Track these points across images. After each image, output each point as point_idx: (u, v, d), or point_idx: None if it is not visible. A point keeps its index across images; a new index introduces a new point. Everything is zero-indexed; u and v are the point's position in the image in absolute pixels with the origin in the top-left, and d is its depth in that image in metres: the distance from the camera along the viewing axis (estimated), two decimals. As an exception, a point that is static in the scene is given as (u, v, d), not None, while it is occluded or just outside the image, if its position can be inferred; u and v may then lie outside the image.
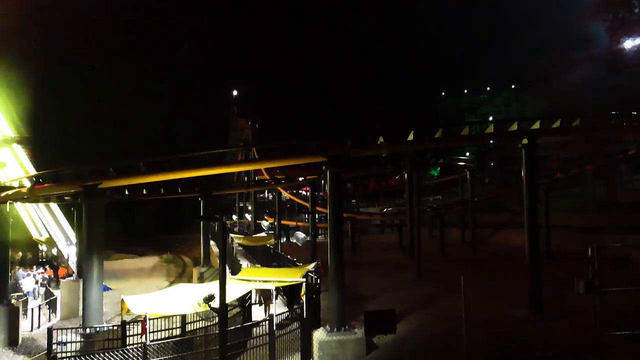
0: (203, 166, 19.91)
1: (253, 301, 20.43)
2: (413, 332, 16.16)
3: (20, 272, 32.92)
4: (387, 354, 14.91)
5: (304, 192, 57.03)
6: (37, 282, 31.64)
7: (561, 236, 31.04)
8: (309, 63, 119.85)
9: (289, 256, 26.72)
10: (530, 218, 17.56)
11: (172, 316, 16.45)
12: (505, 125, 19.40)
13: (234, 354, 13.21)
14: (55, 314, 27.36)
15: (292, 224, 59.76)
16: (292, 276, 18.26)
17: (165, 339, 15.39)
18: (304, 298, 15.38)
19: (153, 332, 15.78)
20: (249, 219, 62.00)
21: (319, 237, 41.09)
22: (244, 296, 17.50)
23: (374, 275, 26.94)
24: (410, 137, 18.19)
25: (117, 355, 11.55)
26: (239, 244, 35.26)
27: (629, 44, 33.90)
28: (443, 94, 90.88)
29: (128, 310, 14.19)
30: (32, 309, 25.54)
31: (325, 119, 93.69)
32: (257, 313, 19.66)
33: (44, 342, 19.11)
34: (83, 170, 19.85)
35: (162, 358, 12.47)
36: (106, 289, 26.98)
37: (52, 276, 35.75)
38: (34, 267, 36.28)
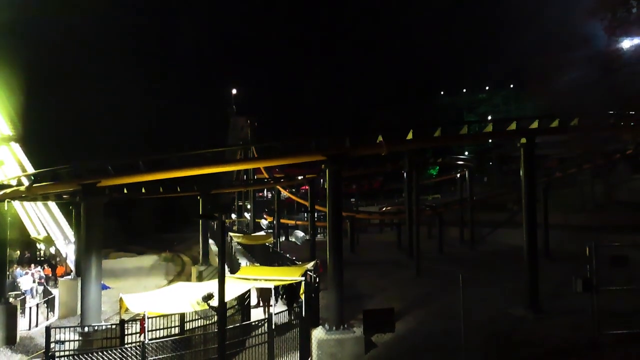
0: (202, 165, 19.87)
1: (253, 303, 20.43)
2: (412, 330, 16.18)
3: (18, 270, 32.87)
4: (385, 352, 14.93)
5: (303, 191, 57.03)
6: (35, 281, 31.59)
7: (559, 235, 31.11)
8: (309, 62, 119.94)
9: (288, 255, 26.72)
10: (529, 217, 17.58)
11: (171, 315, 16.43)
12: (504, 124, 19.42)
13: (233, 352, 13.20)
14: (54, 313, 27.33)
15: (292, 222, 59.77)
16: (291, 275, 18.24)
17: (163, 337, 15.38)
18: (302, 297, 15.38)
19: (152, 330, 15.77)
20: (248, 217, 62.02)
21: (318, 236, 41.12)
22: (243, 295, 17.50)
23: (373, 274, 26.96)
24: (410, 136, 18.20)
25: (115, 354, 11.55)
26: (238, 243, 35.26)
27: (627, 43, 33.88)
28: (442, 93, 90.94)
29: (126, 309, 14.17)
30: (30, 308, 25.51)
31: (325, 118, 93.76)
32: (257, 313, 19.67)
33: (42, 341, 19.13)
34: (81, 169, 19.79)
35: (161, 357, 12.46)
36: (105, 287, 26.98)
37: (50, 275, 35.71)
38: (32, 265, 36.21)
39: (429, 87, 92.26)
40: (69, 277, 30.72)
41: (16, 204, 34.49)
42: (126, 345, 13.03)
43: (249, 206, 63.26)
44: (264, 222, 63.48)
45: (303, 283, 16.38)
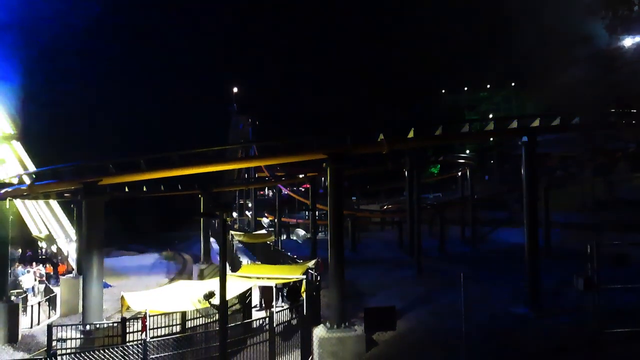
0: (203, 163, 19.89)
1: (255, 305, 20.41)
2: (413, 329, 16.19)
3: (20, 269, 32.90)
4: (386, 350, 14.95)
5: (303, 189, 57.08)
6: (36, 279, 31.62)
7: (560, 233, 31.12)
8: (309, 60, 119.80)
9: (289, 253, 26.75)
10: (530, 215, 17.58)
11: (172, 313, 16.46)
12: (506, 122, 19.41)
13: (234, 350, 13.21)
14: (55, 311, 27.34)
15: (292, 221, 59.80)
16: (292, 273, 18.28)
17: (165, 335, 15.39)
18: (304, 295, 15.40)
19: (153, 328, 15.79)
20: (249, 216, 62.05)
21: (319, 234, 41.16)
22: (244, 293, 17.52)
23: (374, 273, 26.99)
24: (411, 134, 18.20)
25: (117, 352, 11.55)
26: (239, 241, 35.29)
27: (628, 41, 33.87)
28: (443, 91, 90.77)
29: (128, 307, 14.21)
30: (32, 306, 25.51)
31: (326, 117, 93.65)
32: (258, 313, 19.69)
33: (43, 339, 19.11)
34: (83, 167, 19.81)
35: (163, 355, 12.48)
36: (106, 285, 26.99)
37: (52, 273, 35.74)
38: (34, 263, 36.23)
39: (430, 86, 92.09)
40: (71, 275, 30.74)
41: (18, 202, 34.54)
42: (128, 344, 13.04)
43: (250, 204, 63.29)
44: (265, 221, 63.52)
45: (304, 281, 16.41)
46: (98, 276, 19.18)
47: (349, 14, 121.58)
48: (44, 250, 42.88)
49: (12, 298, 23.39)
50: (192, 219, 60.54)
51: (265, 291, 20.06)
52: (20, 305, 23.38)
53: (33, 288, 30.16)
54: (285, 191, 56.34)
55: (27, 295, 27.39)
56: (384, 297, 20.77)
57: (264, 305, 20.51)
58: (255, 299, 20.81)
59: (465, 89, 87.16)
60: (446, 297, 18.96)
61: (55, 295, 28.06)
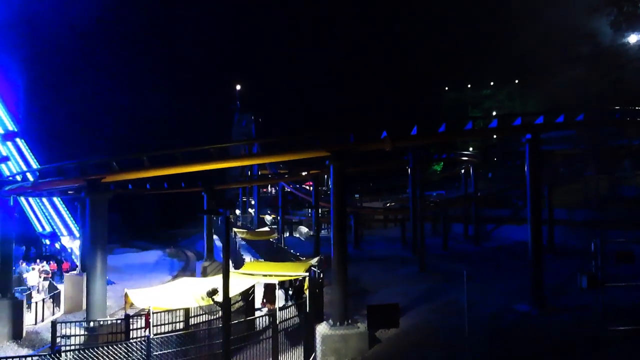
0: (206, 160, 19.87)
1: (258, 305, 20.39)
2: (416, 326, 16.18)
3: (24, 266, 33.03)
4: (389, 348, 14.94)
5: (307, 187, 57.10)
6: (40, 276, 31.74)
7: (564, 231, 31.03)
8: (313, 58, 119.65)
9: (292, 251, 26.76)
10: (534, 213, 17.51)
11: (176, 310, 16.49)
12: (509, 120, 19.34)
13: (237, 347, 13.23)
14: (59, 308, 27.46)
15: (295, 220, 59.82)
16: (295, 270, 18.29)
17: (168, 332, 15.44)
18: (307, 292, 15.39)
19: (157, 325, 15.83)
20: (252, 213, 62.12)
21: (322, 231, 41.15)
22: (247, 290, 17.53)
23: (377, 270, 26.98)
24: (414, 131, 18.14)
25: (120, 349, 11.57)
26: (242, 239, 35.32)
27: (633, 38, 33.76)
28: (446, 88, 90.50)
29: (132, 304, 14.23)
30: (36, 303, 25.61)
31: (329, 114, 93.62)
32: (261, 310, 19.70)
33: (48, 336, 19.24)
34: (87, 164, 19.84)
35: (166, 351, 12.51)
36: (110, 282, 27.06)
37: (56, 270, 35.88)
38: (38, 261, 36.36)
39: (433, 83, 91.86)
40: (75, 272, 30.85)
41: (22, 199, 34.65)
42: (131, 340, 13.07)
43: (253, 202, 63.36)
44: (268, 218, 63.60)
45: (307, 279, 16.41)
46: (102, 273, 19.21)
47: (354, 12, 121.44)
48: (47, 247, 43.06)
49: (17, 295, 23.48)
50: (195, 216, 60.71)
51: (267, 291, 20.05)
52: (25, 302, 23.47)
53: (37, 285, 30.29)
54: (288, 189, 56.33)
55: (31, 292, 27.50)
56: (387, 294, 20.76)
57: (266, 305, 20.51)
58: (258, 296, 20.82)
59: (469, 86, 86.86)
60: (449, 295, 18.95)
61: (59, 292, 28.18)
